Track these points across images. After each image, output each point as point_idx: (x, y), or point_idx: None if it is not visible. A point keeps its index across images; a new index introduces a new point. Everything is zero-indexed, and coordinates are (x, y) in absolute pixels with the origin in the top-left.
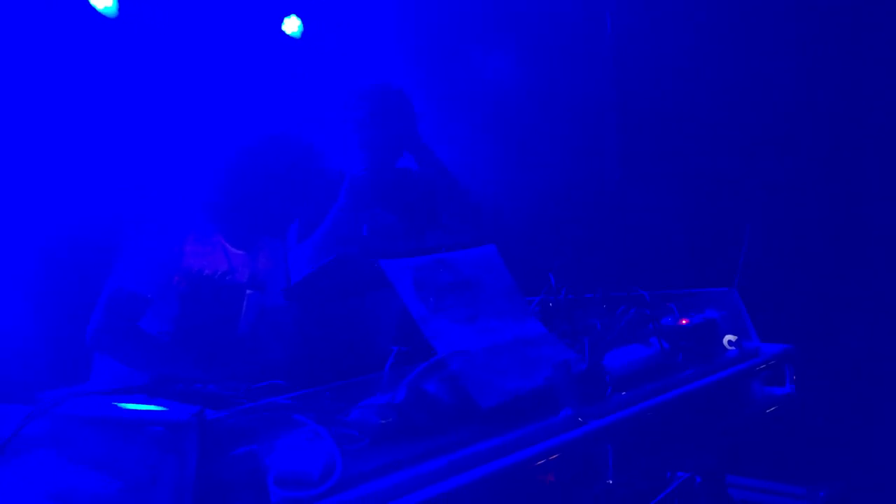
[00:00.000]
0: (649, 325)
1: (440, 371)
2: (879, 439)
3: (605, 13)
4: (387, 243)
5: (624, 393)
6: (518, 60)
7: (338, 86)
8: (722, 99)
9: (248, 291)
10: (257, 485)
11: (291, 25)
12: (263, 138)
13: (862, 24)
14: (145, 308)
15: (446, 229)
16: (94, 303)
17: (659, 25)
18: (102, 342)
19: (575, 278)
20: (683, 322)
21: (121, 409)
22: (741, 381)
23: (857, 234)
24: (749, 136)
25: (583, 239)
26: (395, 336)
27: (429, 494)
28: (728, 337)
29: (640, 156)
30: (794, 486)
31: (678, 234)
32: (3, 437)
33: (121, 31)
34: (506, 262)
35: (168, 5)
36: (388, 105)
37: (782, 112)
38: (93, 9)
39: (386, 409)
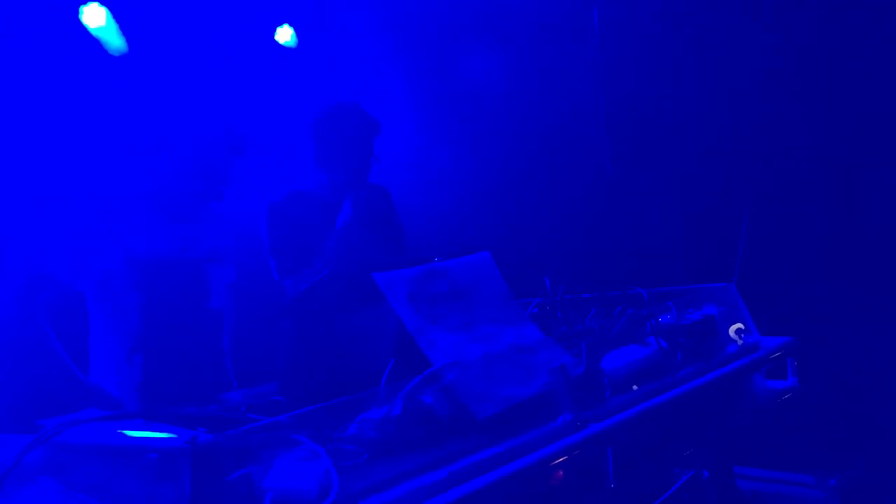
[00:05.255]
0: (647, 324)
1: (436, 383)
2: (888, 428)
3: (593, 11)
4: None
5: (623, 395)
6: (508, 63)
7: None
8: (716, 92)
9: (208, 265)
10: None
11: (285, 35)
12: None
13: (858, 19)
14: (63, 301)
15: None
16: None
17: (647, 20)
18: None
19: (572, 278)
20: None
21: (117, 436)
22: (742, 376)
23: (853, 225)
24: (744, 129)
25: (579, 238)
26: (394, 348)
27: None
28: (734, 326)
29: (632, 153)
30: (803, 474)
31: (675, 229)
32: (3, 467)
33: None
34: (502, 264)
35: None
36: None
37: (778, 104)
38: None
39: (383, 424)
